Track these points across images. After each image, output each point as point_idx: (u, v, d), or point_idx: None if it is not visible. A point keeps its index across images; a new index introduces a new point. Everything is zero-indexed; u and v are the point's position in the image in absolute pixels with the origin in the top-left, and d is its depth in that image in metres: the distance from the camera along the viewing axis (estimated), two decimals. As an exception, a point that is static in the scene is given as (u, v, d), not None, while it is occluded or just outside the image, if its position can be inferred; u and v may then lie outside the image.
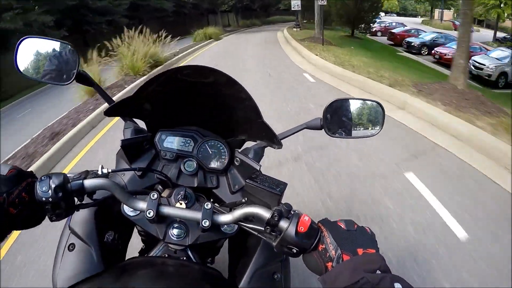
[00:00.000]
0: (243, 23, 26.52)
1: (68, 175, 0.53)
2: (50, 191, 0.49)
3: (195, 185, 0.69)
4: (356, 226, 0.51)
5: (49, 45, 0.77)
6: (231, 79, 0.54)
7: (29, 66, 0.77)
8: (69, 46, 0.75)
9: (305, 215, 0.48)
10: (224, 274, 0.66)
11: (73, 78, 0.72)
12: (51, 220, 0.53)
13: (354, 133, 0.71)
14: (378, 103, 0.70)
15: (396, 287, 0.40)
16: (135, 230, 0.77)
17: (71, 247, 0.64)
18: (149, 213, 0.54)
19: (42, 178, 0.50)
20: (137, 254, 0.75)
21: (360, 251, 0.46)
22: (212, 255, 0.78)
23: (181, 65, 0.56)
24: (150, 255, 0.65)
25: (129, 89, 5.69)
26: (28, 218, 0.49)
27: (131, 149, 0.69)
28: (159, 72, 0.56)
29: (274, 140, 0.64)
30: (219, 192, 0.70)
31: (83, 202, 0.57)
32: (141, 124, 0.73)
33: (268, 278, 0.64)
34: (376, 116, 0.70)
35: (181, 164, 0.70)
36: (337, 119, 0.70)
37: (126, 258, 0.69)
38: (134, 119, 0.73)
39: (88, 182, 0.53)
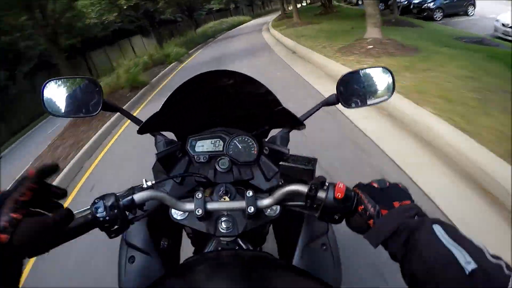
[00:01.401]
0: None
1: (117, 194, 0.58)
2: (105, 212, 0.53)
3: (232, 180, 0.73)
4: (388, 183, 0.53)
5: (71, 83, 0.83)
6: (250, 78, 0.57)
7: (56, 106, 0.83)
8: (91, 79, 0.80)
9: (340, 182, 0.52)
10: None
11: (100, 108, 0.77)
12: (110, 237, 0.57)
13: (368, 101, 0.75)
14: (385, 68, 0.74)
15: (434, 228, 0.42)
16: (184, 235, 0.82)
17: (131, 259, 0.68)
18: (198, 211, 0.58)
19: (96, 201, 0.55)
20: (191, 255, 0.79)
21: (396, 204, 0.49)
22: (260, 244, 0.82)
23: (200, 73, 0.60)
24: (204, 251, 0.68)
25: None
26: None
27: (166, 160, 0.74)
28: (181, 84, 0.60)
29: (296, 122, 0.68)
30: (256, 182, 0.74)
31: (136, 215, 0.62)
32: (170, 135, 0.78)
33: (317, 250, 0.67)
34: (386, 81, 0.74)
35: (215, 164, 0.74)
36: (350, 91, 0.74)
37: (182, 260, 0.73)
38: (163, 132, 0.78)
39: (137, 196, 0.57)
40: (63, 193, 0.50)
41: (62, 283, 1.97)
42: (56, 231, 0.44)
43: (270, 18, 21.47)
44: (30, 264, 2.21)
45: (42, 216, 0.43)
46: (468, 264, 0.36)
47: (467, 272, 0.36)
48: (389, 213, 0.48)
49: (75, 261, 2.08)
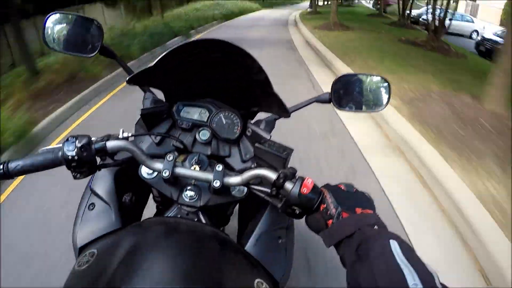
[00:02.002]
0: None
1: (92, 138, 0.58)
2: (75, 150, 0.53)
3: (209, 153, 0.73)
4: (355, 189, 0.54)
5: (75, 20, 0.82)
6: (244, 52, 0.56)
7: (56, 39, 0.82)
8: (94, 21, 0.80)
9: (309, 178, 0.52)
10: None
11: (97, 50, 0.77)
12: (75, 178, 0.57)
13: (362, 107, 0.74)
14: (383, 78, 0.74)
15: (390, 242, 0.41)
16: (151, 196, 0.82)
17: (91, 206, 0.69)
18: (165, 173, 0.58)
19: (69, 138, 0.55)
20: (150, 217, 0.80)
21: (358, 210, 0.49)
22: (223, 224, 0.82)
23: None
24: (163, 216, 0.69)
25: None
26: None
27: (150, 118, 0.74)
28: (178, 45, 0.59)
29: (283, 111, 0.68)
30: (231, 161, 0.74)
31: (105, 162, 0.62)
32: (159, 95, 0.78)
33: (273, 241, 0.67)
34: (382, 91, 0.74)
35: (196, 133, 0.74)
36: (345, 93, 0.73)
37: (142, 220, 0.73)
38: (153, 90, 0.78)
39: (110, 144, 0.57)
40: None
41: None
42: None
43: (288, 12, 17.55)
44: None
45: None
46: (415, 286, 0.35)
47: None
48: (349, 217, 0.48)
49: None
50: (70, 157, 0.53)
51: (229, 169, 0.74)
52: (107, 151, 0.58)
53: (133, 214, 0.75)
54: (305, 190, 0.51)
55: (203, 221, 0.67)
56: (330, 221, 0.50)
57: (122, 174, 0.73)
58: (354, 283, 0.43)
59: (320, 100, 0.74)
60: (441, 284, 0.37)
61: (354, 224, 0.46)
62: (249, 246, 0.65)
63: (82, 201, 0.71)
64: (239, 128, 0.74)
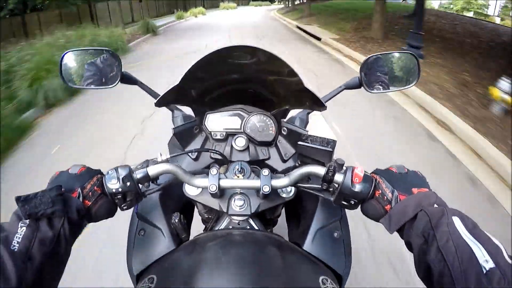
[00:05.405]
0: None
1: (131, 166, 0.57)
2: (118, 183, 0.53)
3: (248, 159, 0.72)
4: (407, 170, 0.53)
5: (89, 54, 0.82)
6: (274, 56, 0.55)
7: (74, 77, 0.82)
8: (110, 51, 0.80)
9: (358, 166, 0.51)
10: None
11: (118, 80, 0.76)
12: (122, 210, 0.57)
13: (391, 86, 0.73)
14: (412, 54, 0.72)
15: (454, 220, 0.41)
16: (196, 212, 0.81)
17: (141, 232, 0.68)
18: (212, 188, 0.58)
19: (109, 172, 0.54)
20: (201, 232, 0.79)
21: (414, 190, 0.48)
22: (271, 225, 0.81)
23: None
24: (216, 229, 0.68)
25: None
26: (102, 209, 0.53)
27: (183, 135, 0.73)
28: (201, 57, 0.58)
29: (318, 103, 0.67)
30: (272, 162, 0.73)
31: (149, 188, 0.62)
32: (187, 110, 0.77)
33: (329, 236, 0.66)
34: (411, 67, 0.72)
35: (232, 142, 0.73)
36: (373, 74, 0.72)
37: (193, 236, 0.73)
38: (180, 107, 0.77)
39: (152, 169, 0.57)
40: None
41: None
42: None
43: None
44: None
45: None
46: (486, 262, 0.35)
47: (484, 271, 0.35)
48: (408, 198, 0.47)
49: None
50: (114, 191, 0.53)
51: (272, 171, 0.74)
52: (150, 178, 0.57)
53: (184, 233, 0.75)
54: (357, 180, 0.50)
55: (256, 227, 0.66)
56: (388, 206, 0.49)
57: (166, 195, 0.73)
58: (424, 267, 0.43)
59: (349, 86, 0.73)
60: (509, 256, 0.37)
61: (414, 205, 0.45)
62: (306, 245, 0.65)
63: (131, 228, 0.70)
64: (273, 129, 0.73)
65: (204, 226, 0.84)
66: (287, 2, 21.57)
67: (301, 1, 23.48)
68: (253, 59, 0.60)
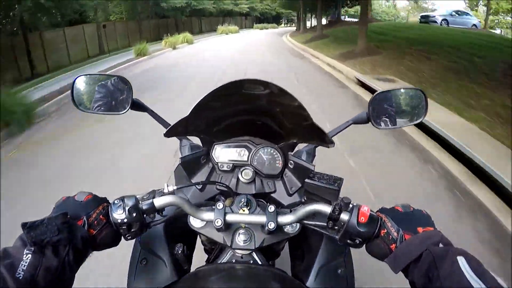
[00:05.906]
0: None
1: (137, 196, 0.57)
2: (124, 213, 0.52)
3: (254, 192, 0.72)
4: (412, 208, 0.53)
5: (101, 79, 0.83)
6: (283, 90, 0.56)
7: (85, 101, 0.83)
8: (122, 78, 0.81)
9: (364, 205, 0.51)
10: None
11: (129, 106, 0.77)
12: (126, 239, 0.56)
13: (398, 122, 0.73)
14: (420, 90, 0.72)
15: (459, 260, 0.41)
16: (198, 241, 0.80)
17: (143, 261, 0.67)
18: (217, 222, 0.57)
19: (115, 201, 0.54)
20: (202, 264, 0.78)
21: (420, 229, 0.48)
22: (274, 258, 0.80)
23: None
24: (218, 262, 0.67)
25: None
26: (106, 239, 0.53)
27: (190, 165, 0.73)
28: (213, 89, 0.59)
29: (325, 139, 0.67)
30: (277, 196, 0.73)
31: (154, 219, 0.61)
32: (195, 140, 0.78)
33: (333, 274, 0.65)
34: (418, 103, 0.72)
35: (238, 174, 0.73)
36: (381, 110, 0.72)
37: (195, 268, 0.72)
38: (189, 137, 0.78)
39: (158, 201, 0.56)
40: None
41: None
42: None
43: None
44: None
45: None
46: None
47: None
48: (413, 237, 0.47)
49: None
50: (119, 221, 0.53)
51: (277, 204, 0.73)
52: (156, 209, 0.57)
53: (186, 264, 0.74)
54: (363, 219, 0.49)
55: (259, 261, 0.65)
56: (393, 245, 0.49)
57: (170, 225, 0.72)
58: None
59: (357, 121, 0.73)
60: None
61: (419, 244, 0.45)
62: (310, 281, 0.64)
63: (133, 257, 0.69)
64: (280, 162, 0.73)
65: (206, 256, 0.83)
66: (298, 24, 18.86)
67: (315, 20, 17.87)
68: (265, 91, 0.60)
